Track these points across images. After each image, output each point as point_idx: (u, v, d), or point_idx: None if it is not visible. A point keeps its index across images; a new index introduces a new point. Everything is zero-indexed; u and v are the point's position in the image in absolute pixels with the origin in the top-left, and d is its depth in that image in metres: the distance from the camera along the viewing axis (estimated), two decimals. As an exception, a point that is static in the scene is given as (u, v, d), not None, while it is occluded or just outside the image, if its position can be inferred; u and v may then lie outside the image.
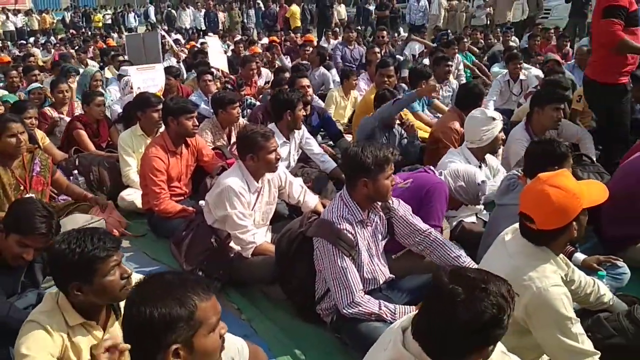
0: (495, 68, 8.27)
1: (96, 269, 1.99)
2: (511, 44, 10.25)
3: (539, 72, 6.85)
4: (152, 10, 25.32)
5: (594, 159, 4.39)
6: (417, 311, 1.63)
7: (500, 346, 1.82)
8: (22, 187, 3.82)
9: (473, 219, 3.76)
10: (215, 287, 3.36)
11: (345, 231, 2.63)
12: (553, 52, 8.96)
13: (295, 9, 15.81)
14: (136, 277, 2.16)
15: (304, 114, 4.54)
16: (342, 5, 17.10)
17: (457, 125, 4.66)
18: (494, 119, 3.80)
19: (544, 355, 2.24)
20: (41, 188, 3.93)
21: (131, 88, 6.06)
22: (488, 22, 14.97)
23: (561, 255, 2.23)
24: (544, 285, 2.01)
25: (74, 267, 1.97)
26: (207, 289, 1.55)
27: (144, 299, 1.47)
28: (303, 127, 4.70)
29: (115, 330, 2.14)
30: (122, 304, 2.10)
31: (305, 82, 5.71)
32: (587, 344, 2.01)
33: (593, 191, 2.12)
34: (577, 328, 2.01)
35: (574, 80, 6.94)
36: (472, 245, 3.29)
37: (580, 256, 3.04)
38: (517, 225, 2.25)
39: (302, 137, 4.69)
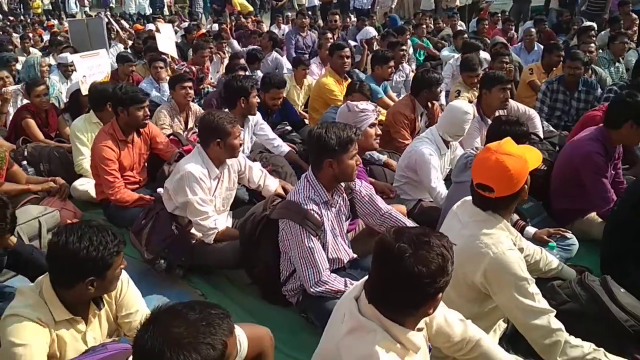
0: (445, 52, 8.45)
1: (113, 262, 2.00)
2: (459, 28, 10.47)
3: (487, 55, 7.04)
4: None
5: (542, 137, 4.59)
6: (366, 278, 1.72)
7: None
8: None
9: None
10: (177, 274, 3.36)
11: (312, 211, 2.67)
12: (499, 35, 9.22)
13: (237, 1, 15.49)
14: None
15: (257, 100, 4.50)
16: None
17: (407, 111, 4.78)
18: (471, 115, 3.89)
19: (501, 322, 2.37)
20: None
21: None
22: (434, 7, 15.20)
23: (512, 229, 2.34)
24: (500, 250, 2.11)
25: (96, 263, 1.96)
26: (230, 322, 1.50)
27: (173, 345, 1.39)
28: (258, 113, 4.69)
29: (96, 323, 2.13)
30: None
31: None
32: (542, 303, 2.12)
33: (532, 154, 2.24)
34: (533, 288, 2.12)
35: (520, 62, 7.23)
36: (430, 223, 3.39)
37: (531, 230, 3.19)
38: (466, 198, 2.36)
39: (257, 124, 4.68)
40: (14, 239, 2.70)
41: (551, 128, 5.28)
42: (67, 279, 2.00)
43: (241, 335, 2.01)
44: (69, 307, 2.04)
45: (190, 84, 4.97)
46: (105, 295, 2.16)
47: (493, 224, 2.21)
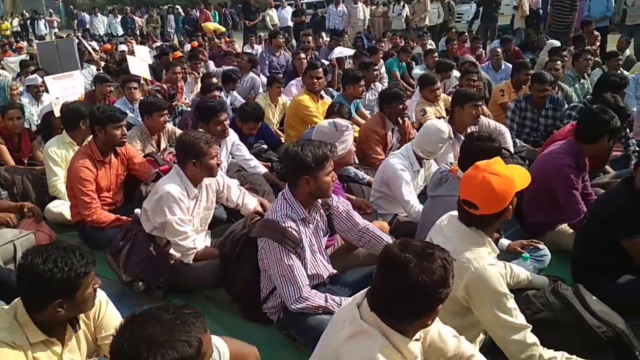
0: (417, 70, 8.64)
1: (80, 284, 1.96)
2: (429, 47, 10.72)
3: (457, 73, 7.22)
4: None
5: (512, 152, 4.72)
6: (369, 287, 1.77)
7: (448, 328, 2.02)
8: None
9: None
10: (157, 295, 3.33)
11: (290, 229, 2.70)
12: (468, 54, 9.47)
13: (210, 26, 15.50)
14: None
15: (227, 123, 4.51)
16: (274, 10, 17.06)
17: (378, 127, 4.89)
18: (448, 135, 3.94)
19: (481, 334, 2.42)
20: None
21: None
22: (406, 27, 15.55)
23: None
24: (481, 265, 2.17)
25: (61, 284, 1.92)
26: (203, 321, 1.55)
27: (150, 344, 1.42)
28: (233, 133, 4.71)
29: (74, 344, 2.10)
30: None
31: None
32: (520, 319, 2.19)
33: (520, 175, 2.31)
34: (512, 304, 2.18)
35: (489, 80, 7.43)
36: (407, 237, 3.44)
37: (505, 242, 3.27)
38: (452, 212, 2.41)
39: (233, 144, 4.70)
40: None
41: (523, 144, 5.43)
42: (36, 301, 1.98)
43: (220, 346, 2.03)
44: (44, 329, 2.01)
45: (160, 117, 4.91)
46: (83, 316, 2.15)
47: (476, 240, 2.27)
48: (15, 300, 2.05)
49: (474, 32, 12.32)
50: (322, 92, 6.14)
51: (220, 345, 2.02)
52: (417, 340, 1.79)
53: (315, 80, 5.82)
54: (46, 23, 24.49)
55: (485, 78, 7.36)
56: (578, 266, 3.12)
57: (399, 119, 5.00)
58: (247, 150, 4.78)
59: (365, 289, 1.83)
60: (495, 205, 2.22)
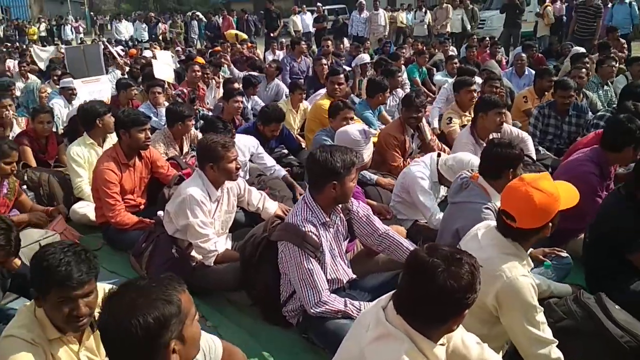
0: (438, 76, 8.63)
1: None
2: (450, 53, 10.68)
3: (479, 79, 7.19)
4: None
5: (535, 159, 4.69)
6: (395, 290, 1.78)
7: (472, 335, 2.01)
8: None
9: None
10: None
11: (310, 233, 2.71)
12: (488, 60, 9.40)
13: (232, 32, 15.66)
14: (104, 287, 2.17)
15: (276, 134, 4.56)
16: (297, 16, 17.20)
17: (397, 133, 4.89)
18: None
19: (505, 342, 2.40)
20: (3, 210, 3.88)
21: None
22: (428, 33, 15.54)
23: None
24: (514, 274, 2.16)
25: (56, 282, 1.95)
26: (181, 281, 1.60)
27: (130, 310, 1.46)
28: (254, 140, 4.74)
29: (91, 343, 2.14)
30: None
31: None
32: (547, 333, 2.17)
33: (568, 194, 2.28)
34: (541, 317, 2.17)
35: (511, 88, 7.37)
36: (426, 241, 3.45)
37: (527, 250, 3.24)
38: (490, 222, 2.43)
39: (255, 150, 4.72)
40: (18, 261, 2.73)
41: (546, 151, 5.37)
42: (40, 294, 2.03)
43: (216, 340, 2.10)
44: (58, 328, 2.05)
45: (191, 121, 5.02)
46: None
47: (511, 251, 2.27)
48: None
49: (495, 38, 12.22)
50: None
51: (215, 340, 2.09)
52: (442, 345, 1.79)
53: (337, 86, 5.85)
54: (72, 28, 24.98)
55: (507, 86, 7.30)
56: (587, 272, 3.12)
57: (418, 125, 5.00)
58: (269, 158, 4.80)
59: (391, 292, 1.84)
60: (534, 221, 2.20)
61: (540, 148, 5.34)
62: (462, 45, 12.69)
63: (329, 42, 10.09)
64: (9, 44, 20.94)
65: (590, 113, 5.63)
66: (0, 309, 2.73)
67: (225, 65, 9.88)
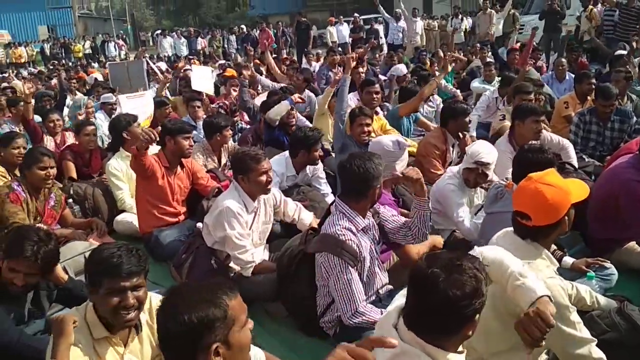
0: (475, 83, 8.52)
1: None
2: (488, 59, 10.53)
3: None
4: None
5: (576, 167, 4.57)
6: (396, 305, 1.77)
7: None
8: (39, 218, 3.94)
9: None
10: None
11: (349, 242, 2.74)
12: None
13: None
14: (156, 297, 2.25)
15: (320, 154, 4.53)
16: (334, 27, 17.35)
17: (439, 142, 4.84)
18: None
19: (544, 355, 2.35)
20: (50, 222, 4.02)
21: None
22: (465, 40, 15.41)
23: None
24: (540, 278, 2.11)
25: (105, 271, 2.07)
26: (232, 288, 1.63)
27: (179, 306, 1.53)
28: (319, 164, 4.73)
29: (136, 346, 2.21)
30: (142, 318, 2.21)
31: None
32: (584, 332, 2.12)
33: (577, 188, 2.27)
34: (575, 317, 2.12)
35: (551, 95, 7.20)
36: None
37: (569, 260, 3.17)
38: (507, 229, 2.38)
39: (315, 172, 4.66)
40: (64, 275, 2.84)
41: (589, 158, 5.23)
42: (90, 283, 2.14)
43: (259, 353, 2.12)
44: (108, 328, 2.14)
45: (229, 131, 5.14)
46: (149, 320, 2.25)
47: (532, 253, 2.23)
48: (87, 301, 2.20)
49: (535, 43, 11.98)
50: (377, 108, 6.15)
51: (259, 353, 2.11)
52: (460, 352, 1.74)
53: (374, 96, 5.85)
54: (115, 45, 25.82)
55: (547, 92, 7.14)
56: None
57: (459, 133, 4.96)
58: (328, 186, 4.74)
59: (398, 307, 1.80)
60: (549, 216, 2.18)
61: (583, 155, 5.21)
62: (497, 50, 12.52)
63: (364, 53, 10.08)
64: (55, 62, 21.79)
65: (634, 118, 5.45)
66: (46, 320, 2.82)
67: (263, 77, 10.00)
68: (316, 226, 3.54)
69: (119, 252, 2.09)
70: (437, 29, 18.48)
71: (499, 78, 8.19)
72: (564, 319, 2.09)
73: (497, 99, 6.86)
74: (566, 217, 2.22)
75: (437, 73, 8.62)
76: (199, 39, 21.72)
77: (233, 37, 20.82)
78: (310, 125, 6.48)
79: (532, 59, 9.85)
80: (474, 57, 11.42)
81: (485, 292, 1.66)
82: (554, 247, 3.24)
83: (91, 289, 2.13)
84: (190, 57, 17.65)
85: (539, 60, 9.88)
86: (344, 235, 2.75)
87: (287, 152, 4.53)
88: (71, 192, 4.84)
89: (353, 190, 2.87)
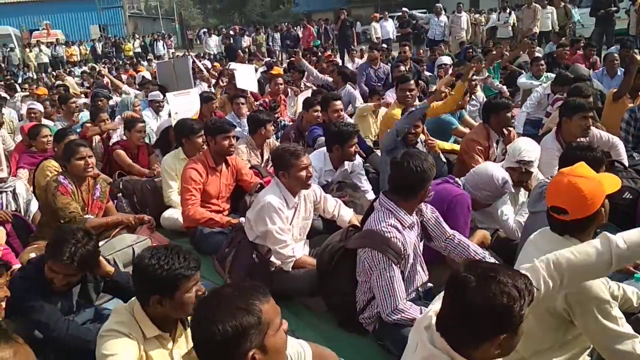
0: (522, 79, 8.32)
1: (179, 285, 2.11)
2: (537, 54, 10.26)
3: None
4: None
5: (627, 165, 4.41)
6: (434, 306, 1.75)
7: None
8: (86, 209, 4.09)
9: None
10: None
11: (394, 239, 2.75)
12: (579, 61, 8.95)
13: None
14: None
15: (356, 149, 4.51)
16: (378, 23, 17.26)
17: (481, 138, 4.77)
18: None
19: (586, 354, 2.30)
20: (97, 212, 4.18)
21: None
22: (513, 34, 15.05)
23: None
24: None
25: (160, 281, 2.09)
26: (265, 292, 1.63)
27: (211, 317, 1.53)
28: (359, 160, 4.76)
29: (183, 340, 2.26)
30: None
31: (339, 105, 5.72)
32: (627, 327, 2.07)
33: (608, 179, 2.24)
34: (617, 312, 2.07)
35: (602, 91, 6.95)
36: (508, 253, 3.37)
37: (616, 260, 3.07)
38: (544, 228, 2.34)
39: (355, 169, 4.70)
40: (111, 269, 2.94)
41: (639, 156, 5.04)
42: (141, 295, 2.18)
43: (305, 347, 2.12)
44: (157, 324, 2.18)
45: (272, 126, 5.21)
46: None
47: None
48: (133, 298, 2.26)
49: (585, 38, 11.59)
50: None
51: (304, 346, 2.12)
52: None
53: (408, 93, 5.80)
54: (164, 44, 26.44)
55: (598, 88, 6.90)
56: None
57: (504, 129, 4.87)
58: (368, 183, 4.79)
59: (432, 309, 1.78)
60: (586, 208, 2.15)
61: (634, 153, 5.02)
62: (546, 44, 12.18)
63: (407, 48, 10.02)
64: (107, 60, 22.52)
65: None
66: (95, 309, 2.94)
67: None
68: (356, 223, 3.58)
69: (163, 261, 2.11)
70: (483, 23, 18.14)
71: (547, 74, 8.02)
72: (606, 313, 2.05)
73: (548, 96, 6.68)
74: (602, 209, 2.18)
75: (484, 71, 8.51)
76: (244, 37, 21.99)
77: (277, 35, 20.97)
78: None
79: (585, 56, 9.55)
80: (521, 52, 11.14)
81: (521, 314, 1.57)
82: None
83: (140, 297, 2.18)
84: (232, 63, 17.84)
85: (593, 56, 9.52)
86: (389, 232, 2.76)
87: (324, 148, 4.56)
88: (120, 186, 5.02)
89: (406, 188, 2.86)
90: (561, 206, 2.18)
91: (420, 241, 3.02)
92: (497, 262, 2.93)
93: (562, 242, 2.21)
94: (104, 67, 16.87)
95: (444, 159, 4.96)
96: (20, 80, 16.89)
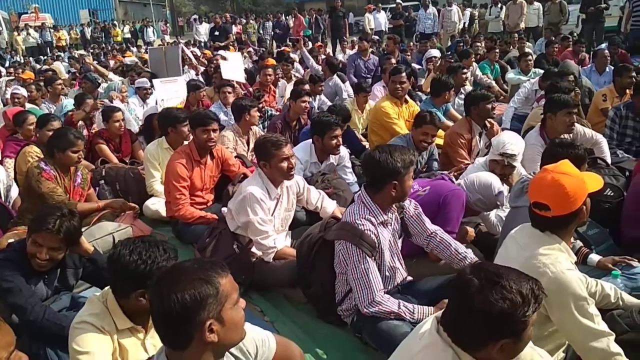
0: (511, 74, 8.34)
1: None
2: (526, 50, 10.28)
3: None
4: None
5: (609, 162, 4.44)
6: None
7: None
8: (67, 195, 4.07)
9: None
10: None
11: (367, 232, 2.73)
12: (569, 58, 8.97)
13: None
14: None
15: (339, 143, 4.43)
16: (372, 15, 17.19)
17: (464, 131, 4.79)
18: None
19: (561, 350, 2.32)
20: (78, 198, 4.15)
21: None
22: (503, 29, 15.04)
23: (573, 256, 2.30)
24: (559, 269, 2.10)
25: (145, 276, 2.05)
26: (224, 267, 1.66)
27: (171, 286, 1.56)
28: (345, 153, 4.74)
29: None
30: None
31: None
32: (602, 325, 2.09)
33: (592, 178, 2.26)
34: (593, 309, 2.09)
35: (591, 88, 6.98)
36: (489, 247, 3.39)
37: (595, 257, 3.10)
38: (525, 223, 2.35)
39: (342, 161, 4.68)
40: (90, 247, 2.92)
41: (624, 154, 5.07)
42: (120, 289, 2.16)
43: (270, 336, 2.12)
44: (130, 316, 2.17)
45: (256, 112, 5.20)
46: None
47: (551, 245, 2.21)
48: (106, 288, 2.24)
49: (574, 35, 11.60)
50: (407, 96, 6.09)
51: (269, 336, 2.11)
52: None
53: (399, 86, 5.79)
54: (154, 30, 26.13)
55: (587, 85, 6.93)
56: None
57: (486, 122, 4.88)
58: (353, 174, 4.78)
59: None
60: (568, 205, 2.16)
61: (618, 151, 5.05)
62: (537, 40, 12.20)
63: (391, 41, 10.03)
64: (95, 45, 22.23)
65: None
66: (72, 296, 2.91)
67: (297, 64, 10.05)
68: (339, 215, 3.57)
69: (145, 256, 2.08)
70: (476, 17, 18.11)
71: (536, 69, 8.04)
72: (582, 310, 2.06)
73: (536, 91, 6.70)
74: (584, 206, 2.20)
75: (474, 65, 8.53)
76: (234, 25, 21.80)
77: (269, 24, 20.81)
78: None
79: (574, 52, 9.58)
80: (511, 47, 11.17)
81: (523, 320, 1.54)
82: (580, 243, 3.19)
83: (119, 291, 2.16)
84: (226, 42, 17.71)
85: (582, 52, 9.56)
86: (362, 225, 2.74)
87: (311, 140, 4.54)
88: (103, 173, 4.97)
89: (372, 183, 2.84)
90: (544, 202, 2.19)
91: (400, 237, 3.00)
92: (479, 260, 2.95)
93: (542, 238, 2.23)
94: (90, 54, 16.65)
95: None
96: (7, 64, 16.66)
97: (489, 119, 4.98)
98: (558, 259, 2.14)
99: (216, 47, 14.43)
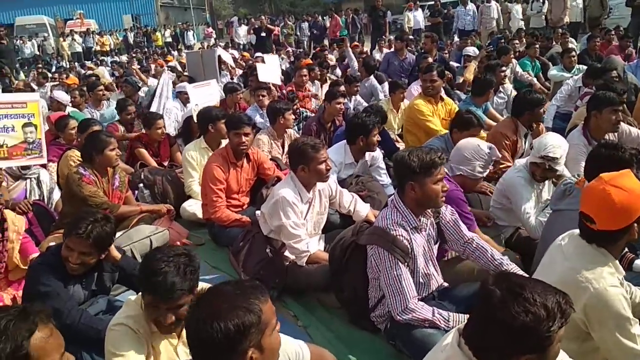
0: (553, 71, 8.09)
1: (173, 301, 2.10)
2: (570, 45, 9.95)
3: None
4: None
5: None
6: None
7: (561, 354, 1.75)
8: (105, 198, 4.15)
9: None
10: (272, 295, 3.47)
11: (400, 237, 2.66)
12: (614, 53, 8.64)
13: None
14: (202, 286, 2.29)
15: (378, 139, 4.48)
16: (411, 13, 17.02)
17: (509, 132, 4.64)
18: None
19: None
20: (117, 201, 4.23)
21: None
22: (545, 24, 14.63)
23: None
24: (602, 285, 2.00)
25: (156, 292, 2.09)
26: (264, 291, 1.62)
27: (213, 315, 1.52)
28: (379, 154, 4.71)
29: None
30: None
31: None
32: None
33: None
34: (637, 329, 1.99)
35: (637, 84, 6.70)
36: (528, 252, 3.28)
37: (640, 263, 2.95)
38: (573, 230, 2.25)
39: (375, 162, 4.65)
40: (118, 255, 2.95)
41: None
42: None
43: (304, 347, 2.10)
44: (159, 328, 2.17)
45: (291, 115, 5.24)
46: None
47: (597, 259, 2.10)
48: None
49: (621, 29, 11.14)
50: (443, 94, 5.99)
51: (303, 347, 2.09)
52: None
53: (430, 84, 5.70)
54: (194, 34, 26.55)
55: (633, 81, 6.64)
56: None
57: (533, 124, 4.74)
58: (387, 176, 4.74)
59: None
60: (615, 221, 2.04)
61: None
62: (578, 36, 11.79)
63: (429, 40, 9.86)
64: (138, 49, 22.74)
65: None
66: (108, 300, 2.96)
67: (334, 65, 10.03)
68: (372, 219, 3.52)
69: (167, 267, 2.08)
70: (508, 11, 17.64)
71: (579, 66, 7.77)
72: (624, 330, 1.97)
73: (579, 89, 6.47)
74: (635, 225, 2.05)
75: (513, 61, 8.31)
76: (273, 26, 21.93)
77: (305, 25, 20.84)
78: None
79: (620, 47, 9.23)
80: (553, 42, 10.84)
81: (548, 335, 1.45)
82: (624, 249, 3.04)
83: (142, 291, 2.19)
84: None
85: (629, 47, 9.18)
86: (395, 230, 2.68)
87: (344, 141, 4.51)
88: (142, 177, 5.05)
89: (398, 184, 2.80)
90: (589, 214, 2.08)
91: (435, 244, 2.91)
92: (518, 267, 2.84)
93: (589, 250, 2.13)
94: (133, 58, 17.03)
95: None
96: (53, 69, 17.21)
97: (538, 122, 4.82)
98: (602, 274, 2.04)
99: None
